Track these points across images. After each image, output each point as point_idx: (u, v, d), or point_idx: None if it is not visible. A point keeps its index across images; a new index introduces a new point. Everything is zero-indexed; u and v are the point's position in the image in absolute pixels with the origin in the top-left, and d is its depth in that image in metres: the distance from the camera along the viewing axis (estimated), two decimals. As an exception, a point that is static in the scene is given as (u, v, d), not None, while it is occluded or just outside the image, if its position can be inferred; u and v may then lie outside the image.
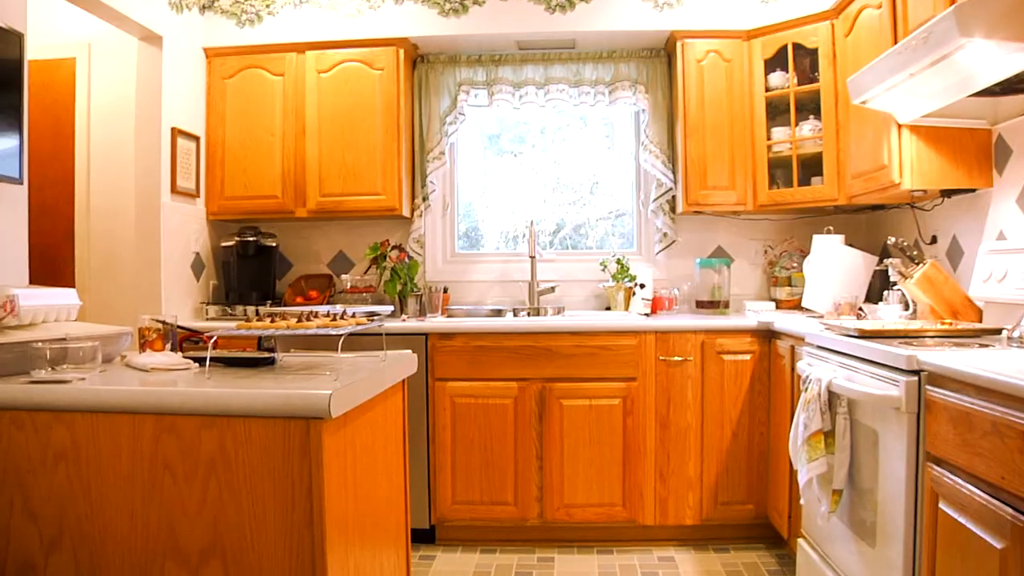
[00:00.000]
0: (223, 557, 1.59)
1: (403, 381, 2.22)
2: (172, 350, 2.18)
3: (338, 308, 2.04)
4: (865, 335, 2.68)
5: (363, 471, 1.84)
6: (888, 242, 3.35)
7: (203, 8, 4.46)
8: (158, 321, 2.19)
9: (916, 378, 2.20)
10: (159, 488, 1.60)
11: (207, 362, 1.79)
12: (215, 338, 1.86)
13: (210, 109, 4.47)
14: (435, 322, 3.97)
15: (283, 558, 1.56)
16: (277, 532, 1.56)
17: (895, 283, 3.42)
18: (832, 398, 2.68)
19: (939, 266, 3.21)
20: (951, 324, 2.92)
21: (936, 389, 2.10)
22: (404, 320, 4.09)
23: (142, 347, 2.17)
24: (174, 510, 1.60)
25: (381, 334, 2.17)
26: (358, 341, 3.77)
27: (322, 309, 2.03)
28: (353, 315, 1.98)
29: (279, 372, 1.87)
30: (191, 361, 1.98)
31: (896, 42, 3.12)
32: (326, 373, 1.76)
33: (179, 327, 2.24)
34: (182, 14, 4.26)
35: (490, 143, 5.03)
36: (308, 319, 1.89)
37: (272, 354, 2.00)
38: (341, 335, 1.75)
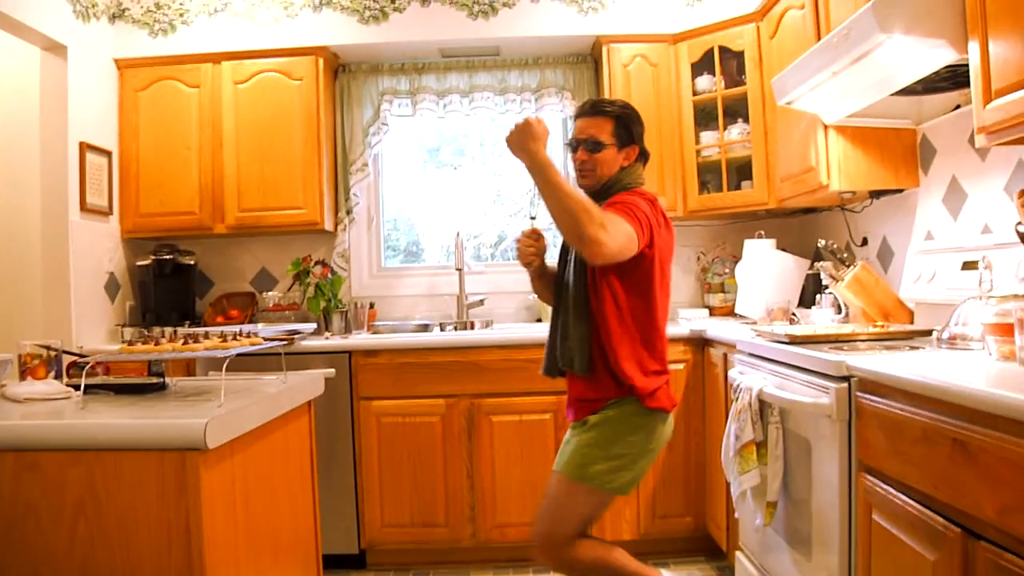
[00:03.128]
0: (95, 607, 1.44)
1: (309, 403, 2.07)
2: (57, 377, 2.02)
3: (235, 328, 1.90)
4: (796, 341, 2.61)
5: (258, 503, 1.70)
6: (819, 245, 3.30)
7: (113, 17, 4.27)
8: (42, 347, 2.02)
9: (846, 384, 2.13)
10: (20, 533, 1.44)
11: (81, 390, 1.64)
12: (90, 363, 1.70)
13: (123, 123, 4.28)
14: (358, 339, 3.83)
15: (161, 606, 1.42)
16: (153, 577, 1.41)
17: (827, 287, 3.37)
18: (763, 407, 2.60)
19: (870, 268, 3.17)
20: (883, 327, 2.86)
21: (866, 395, 2.02)
22: (327, 338, 3.93)
23: (23, 375, 2.00)
24: (38, 557, 1.44)
25: (280, 353, 2.02)
26: (277, 362, 3.62)
27: (216, 330, 1.89)
28: (248, 335, 1.84)
29: (166, 398, 1.72)
30: (73, 390, 1.82)
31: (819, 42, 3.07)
32: (212, 399, 1.62)
33: (65, 352, 2.08)
34: (89, 23, 4.06)
35: (430, 156, 4.91)
36: (196, 340, 1.75)
37: (161, 379, 1.85)
38: (228, 357, 1.61)
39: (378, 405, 3.70)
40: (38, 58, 3.90)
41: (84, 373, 1.65)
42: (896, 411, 1.84)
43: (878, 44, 2.30)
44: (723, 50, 4.01)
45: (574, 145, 2.60)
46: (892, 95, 2.76)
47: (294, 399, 1.88)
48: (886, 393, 1.92)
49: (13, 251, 4.27)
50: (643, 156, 2.64)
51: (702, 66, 4.11)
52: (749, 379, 2.70)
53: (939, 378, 1.66)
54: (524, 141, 2.31)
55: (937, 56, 2.31)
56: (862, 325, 3.02)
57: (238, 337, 1.80)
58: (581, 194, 2.30)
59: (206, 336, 1.80)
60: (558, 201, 2.24)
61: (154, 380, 1.82)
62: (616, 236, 2.25)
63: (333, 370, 3.63)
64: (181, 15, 4.26)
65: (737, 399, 2.71)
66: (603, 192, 2.54)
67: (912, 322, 3.05)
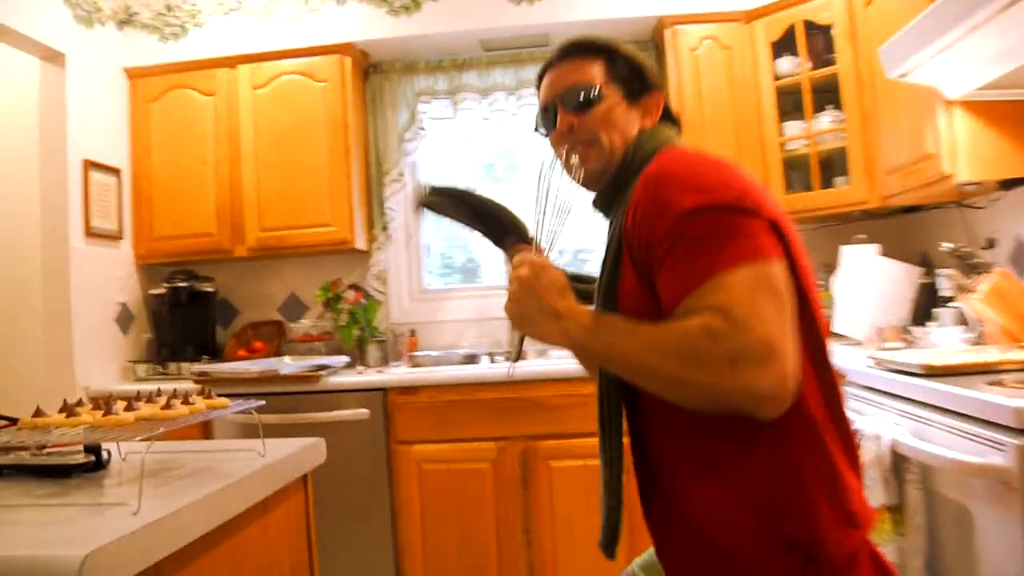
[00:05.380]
0: None
1: (305, 477, 1.57)
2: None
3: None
4: (933, 372, 2.03)
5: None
6: (943, 248, 2.72)
7: (121, 23, 3.87)
8: (-42, 410, 1.55)
9: (1029, 438, 1.55)
10: None
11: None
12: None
13: (134, 138, 3.87)
14: (394, 374, 3.32)
15: None
16: None
17: (949, 299, 2.79)
18: (896, 459, 2.03)
19: (1011, 275, 2.57)
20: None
21: (1064, 455, 1.45)
22: (360, 372, 3.44)
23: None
24: None
25: (255, 418, 1.49)
26: (312, 402, 3.16)
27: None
28: (209, 395, 1.35)
29: (90, 488, 1.23)
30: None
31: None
32: (128, 502, 1.10)
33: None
34: (93, 29, 3.66)
35: (486, 172, 4.41)
36: (131, 407, 1.25)
37: (94, 457, 1.36)
38: (153, 437, 1.10)
39: (419, 450, 3.19)
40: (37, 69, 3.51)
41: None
42: None
43: (1047, -22, 1.74)
44: (807, 25, 3.44)
45: (550, 115, 1.51)
46: (1039, 57, 2.19)
47: (272, 481, 1.37)
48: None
49: (13, 284, 3.86)
50: (671, 117, 1.56)
51: (783, 46, 3.53)
52: (875, 423, 2.12)
53: None
54: (531, 311, 1.28)
55: None
56: (1004, 347, 2.42)
57: (191, 399, 1.30)
58: (659, 331, 1.16)
59: (151, 398, 1.30)
60: (644, 370, 1.18)
61: (82, 460, 1.33)
62: (769, 335, 1.08)
63: (366, 411, 3.17)
64: (193, 16, 3.84)
65: (860, 449, 2.13)
66: (622, 178, 1.44)
67: (1067, 342, 2.46)
